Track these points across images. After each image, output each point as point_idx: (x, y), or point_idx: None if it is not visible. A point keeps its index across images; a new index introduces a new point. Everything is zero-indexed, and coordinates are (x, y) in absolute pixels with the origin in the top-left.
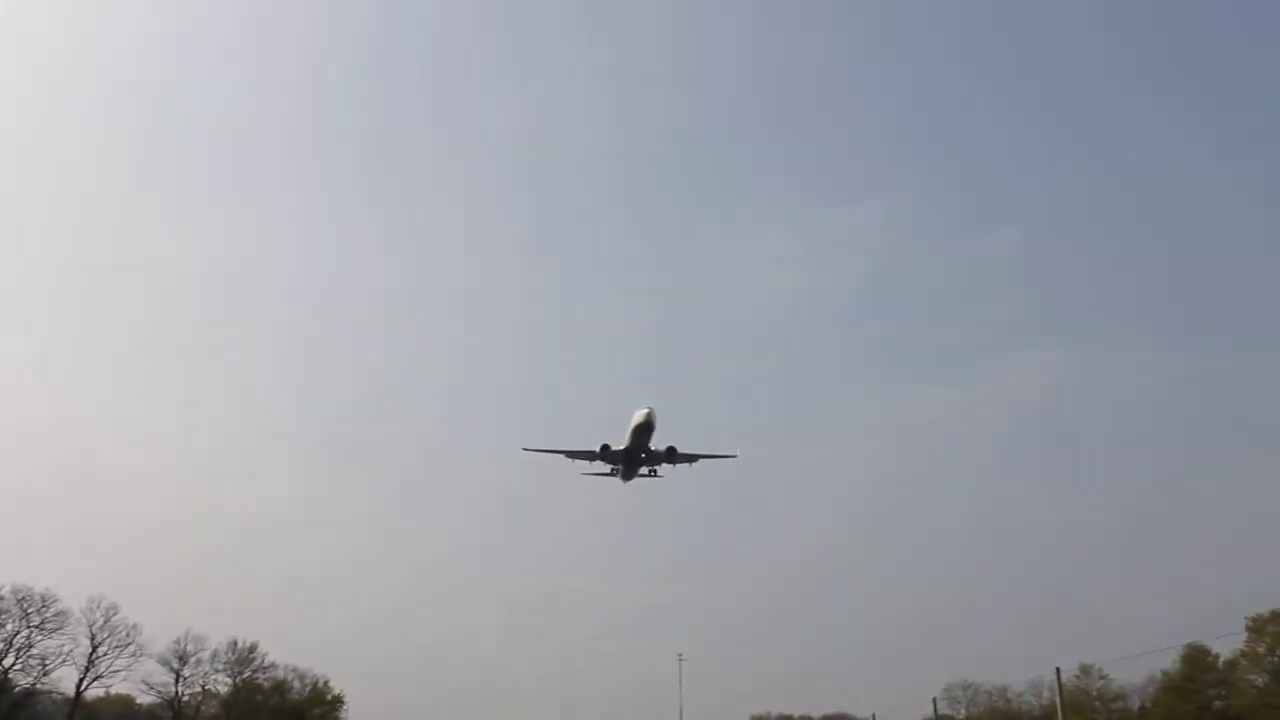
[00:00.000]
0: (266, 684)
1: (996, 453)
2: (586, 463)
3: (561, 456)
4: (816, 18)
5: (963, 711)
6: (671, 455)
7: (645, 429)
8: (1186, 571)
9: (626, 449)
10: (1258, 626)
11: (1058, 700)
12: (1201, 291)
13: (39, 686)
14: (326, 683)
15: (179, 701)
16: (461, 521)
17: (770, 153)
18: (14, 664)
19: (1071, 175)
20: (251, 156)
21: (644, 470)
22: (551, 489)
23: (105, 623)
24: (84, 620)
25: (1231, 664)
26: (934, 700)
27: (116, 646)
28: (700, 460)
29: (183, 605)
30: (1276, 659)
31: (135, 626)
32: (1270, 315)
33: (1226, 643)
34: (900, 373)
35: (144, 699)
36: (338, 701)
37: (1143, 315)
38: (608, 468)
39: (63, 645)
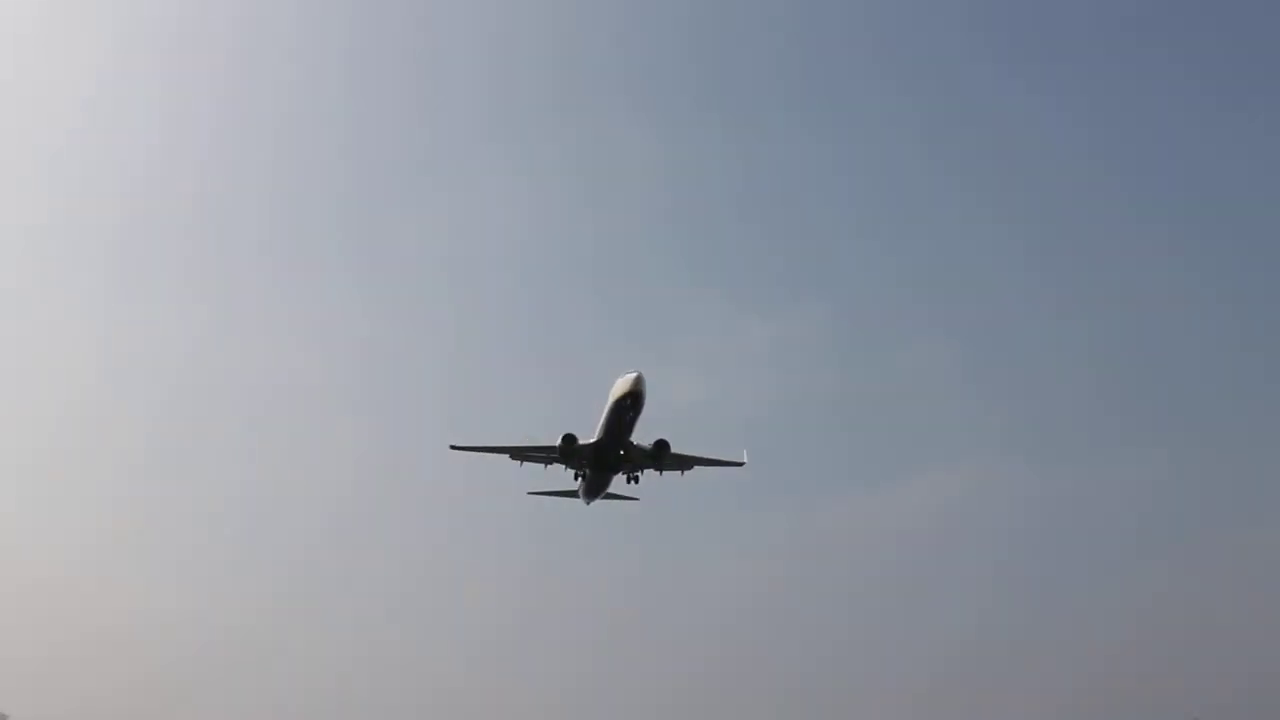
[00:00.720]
0: None
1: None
2: (542, 467)
3: (505, 458)
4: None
5: None
6: (660, 454)
7: (631, 404)
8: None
9: (600, 442)
10: None
11: None
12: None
13: None
14: None
15: None
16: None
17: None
18: None
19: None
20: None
21: (619, 478)
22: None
23: None
24: None
25: None
26: None
27: None
28: (696, 468)
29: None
30: None
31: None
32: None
33: None
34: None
35: None
36: None
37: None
38: (570, 473)
39: None
